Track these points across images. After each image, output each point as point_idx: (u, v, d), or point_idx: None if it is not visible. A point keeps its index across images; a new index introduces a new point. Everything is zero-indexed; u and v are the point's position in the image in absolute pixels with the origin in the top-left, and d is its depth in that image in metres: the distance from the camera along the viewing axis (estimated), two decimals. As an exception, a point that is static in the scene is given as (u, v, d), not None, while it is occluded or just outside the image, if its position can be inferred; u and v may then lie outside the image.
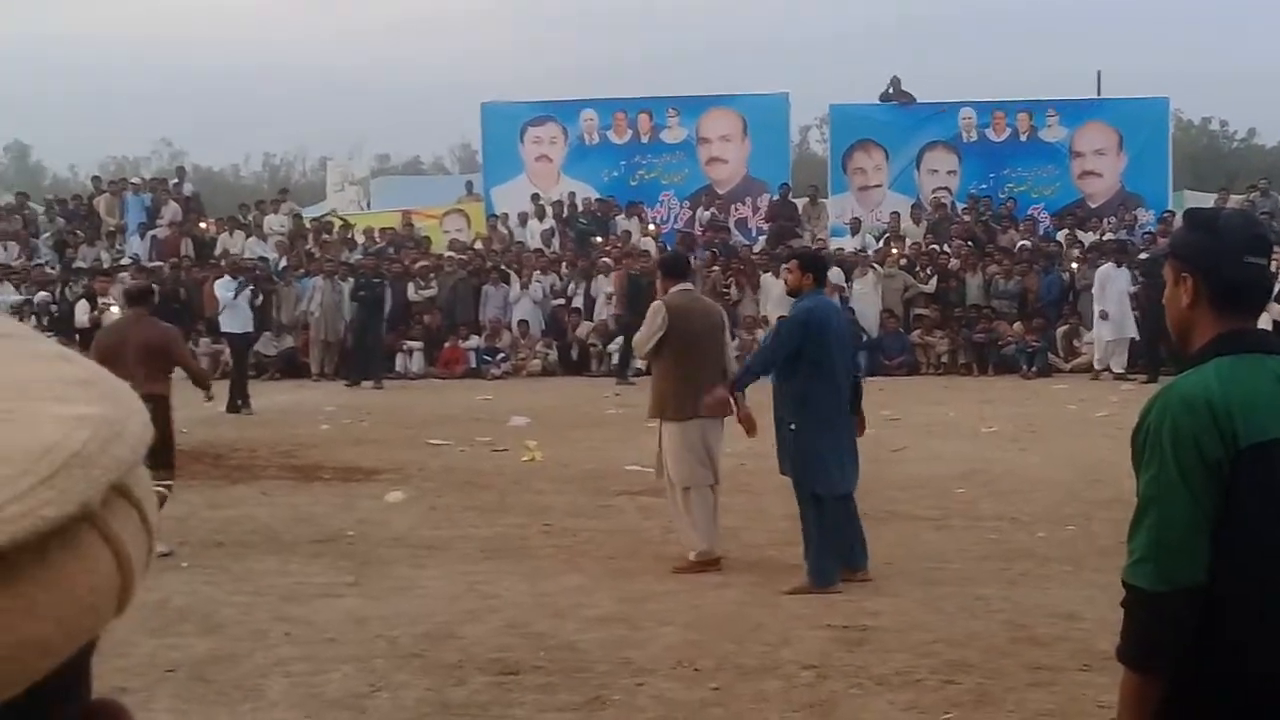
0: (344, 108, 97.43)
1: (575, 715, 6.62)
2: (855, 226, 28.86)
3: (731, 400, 9.42)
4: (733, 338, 12.29)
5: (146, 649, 7.55)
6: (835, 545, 9.08)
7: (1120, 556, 3.05)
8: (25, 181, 56.66)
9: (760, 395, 9.62)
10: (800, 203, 30.11)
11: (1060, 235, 27.74)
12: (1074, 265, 25.48)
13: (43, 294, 26.33)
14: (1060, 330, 24.62)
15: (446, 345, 25.95)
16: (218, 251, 28.91)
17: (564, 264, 27.74)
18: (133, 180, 35.01)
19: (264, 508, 11.68)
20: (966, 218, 28.27)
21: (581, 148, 31.47)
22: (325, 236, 29.34)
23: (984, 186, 29.59)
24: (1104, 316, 23.30)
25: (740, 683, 7.02)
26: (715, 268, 25.90)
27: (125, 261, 27.94)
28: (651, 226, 29.49)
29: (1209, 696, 2.89)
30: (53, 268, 28.54)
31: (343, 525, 11.41)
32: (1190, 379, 2.97)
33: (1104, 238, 26.72)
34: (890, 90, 30.88)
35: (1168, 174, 29.81)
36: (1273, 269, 3.12)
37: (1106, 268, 23.70)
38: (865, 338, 24.83)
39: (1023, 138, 29.93)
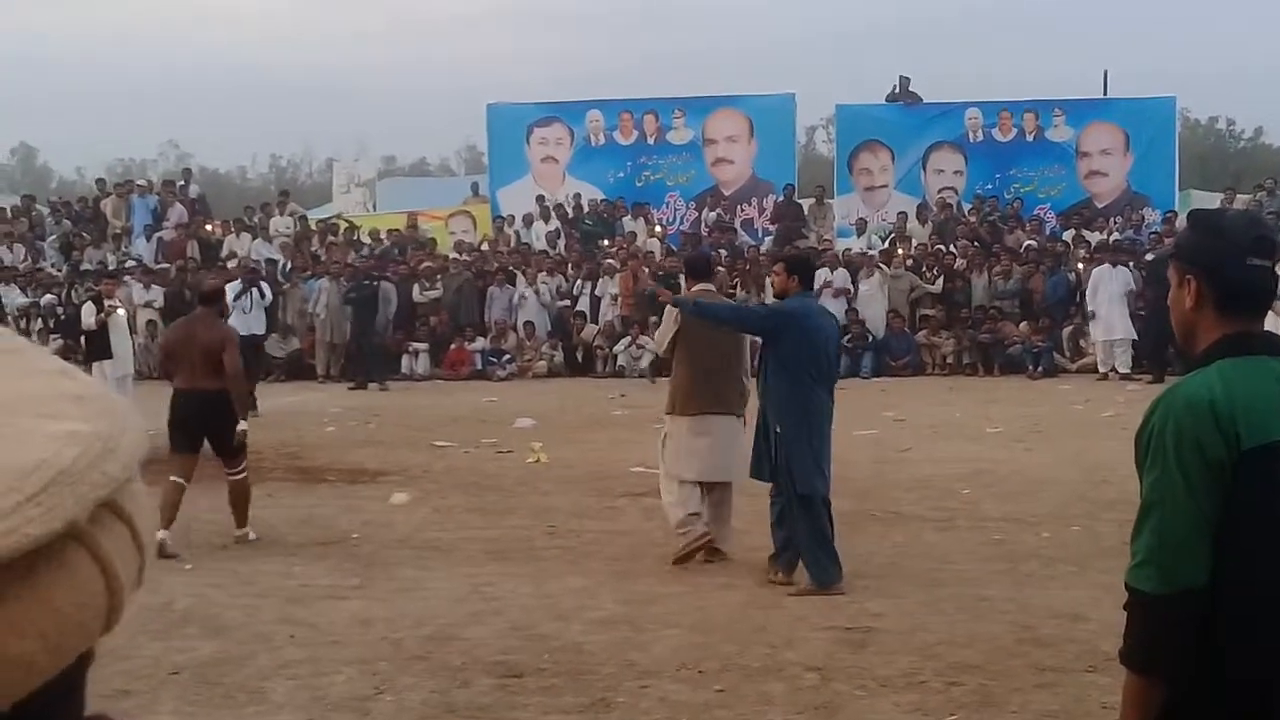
0: (350, 110, 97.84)
1: (580, 718, 6.61)
2: (861, 227, 28.86)
3: (665, 297, 9.47)
4: None
5: (151, 651, 7.55)
6: (829, 544, 9.07)
7: (1125, 558, 3.04)
8: (32, 183, 56.90)
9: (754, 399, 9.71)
10: (806, 203, 30.08)
11: (1066, 235, 27.73)
12: (1080, 265, 25.44)
13: (49, 296, 26.37)
14: (1066, 331, 24.60)
15: (452, 347, 25.95)
16: (224, 253, 28.94)
17: (569, 265, 27.73)
18: (139, 182, 35.08)
19: (269, 509, 11.68)
20: (972, 218, 28.24)
21: (587, 149, 31.47)
22: (331, 238, 29.35)
23: (990, 187, 29.56)
24: (1092, 317, 23.41)
25: (744, 684, 7.02)
26: (721, 268, 25.87)
27: (131, 264, 27.98)
28: (658, 228, 29.49)
29: (1212, 699, 2.88)
30: (58, 270, 28.58)
31: (348, 527, 11.42)
32: (1194, 381, 2.96)
33: (1110, 238, 26.70)
34: (897, 90, 30.88)
35: (1174, 174, 29.78)
36: (1278, 271, 3.09)
37: (1102, 269, 23.73)
38: (871, 338, 24.84)
39: (1029, 138, 29.90)
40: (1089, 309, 23.59)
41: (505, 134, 31.94)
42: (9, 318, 25.19)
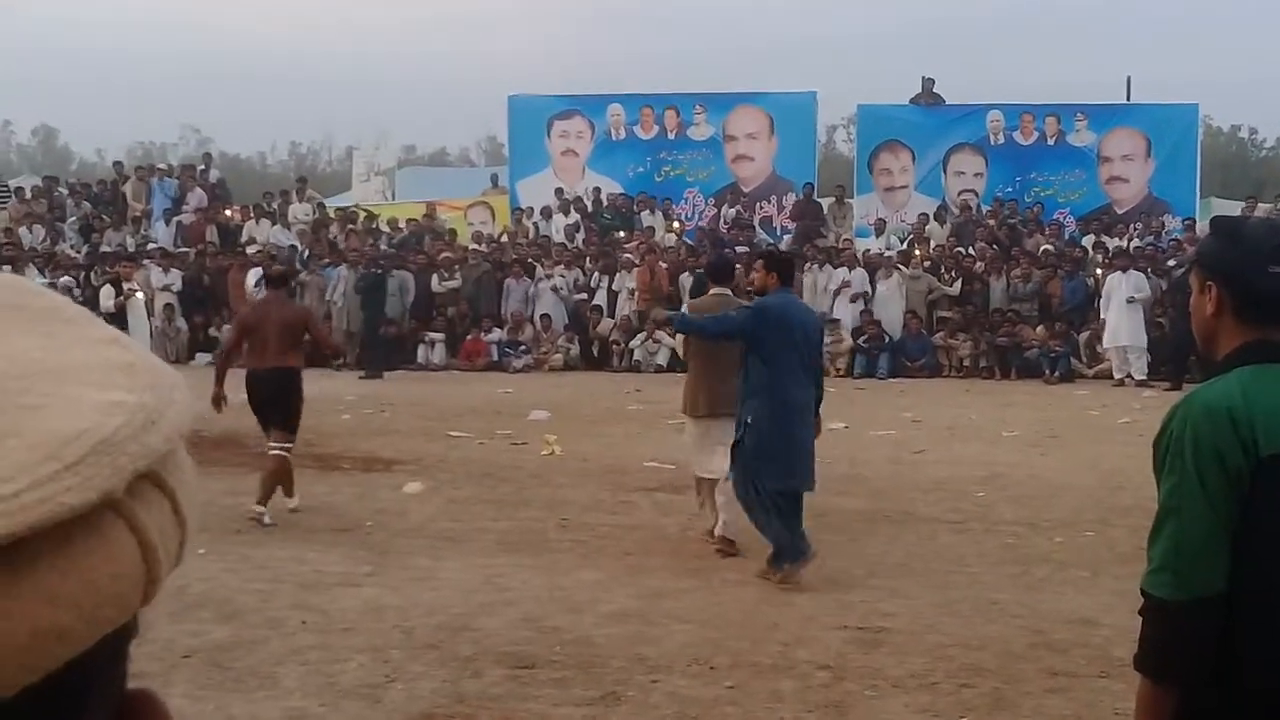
0: (371, 98, 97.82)
1: (590, 710, 6.62)
2: (880, 228, 28.79)
3: (665, 321, 9.59)
4: None
5: (164, 634, 7.57)
6: (787, 521, 9.19)
7: (1139, 563, 3.04)
8: (52, 164, 56.96)
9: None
10: (826, 202, 30.03)
11: (1086, 240, 27.64)
12: (1098, 271, 25.36)
13: (66, 279, 26.41)
14: (1083, 336, 24.52)
15: (469, 337, 25.96)
16: (243, 239, 29.00)
17: (587, 259, 27.74)
18: (159, 166, 35.14)
19: (282, 495, 11.69)
20: (991, 221, 28.15)
21: (608, 143, 31.45)
22: (351, 226, 29.38)
23: (1010, 190, 29.48)
24: (1103, 323, 23.42)
25: (755, 681, 7.02)
26: (739, 267, 25.83)
27: (150, 247, 28.05)
28: (676, 223, 29.46)
29: (1227, 708, 2.87)
30: (78, 252, 28.65)
31: (361, 515, 11.45)
32: (1213, 388, 2.96)
33: (1130, 244, 26.63)
34: (921, 91, 30.81)
35: (1195, 181, 29.63)
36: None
37: (1115, 275, 23.66)
38: (888, 339, 24.80)
39: (1050, 141, 29.81)
40: (1103, 315, 23.54)
41: (526, 126, 31.94)
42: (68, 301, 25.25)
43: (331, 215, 30.44)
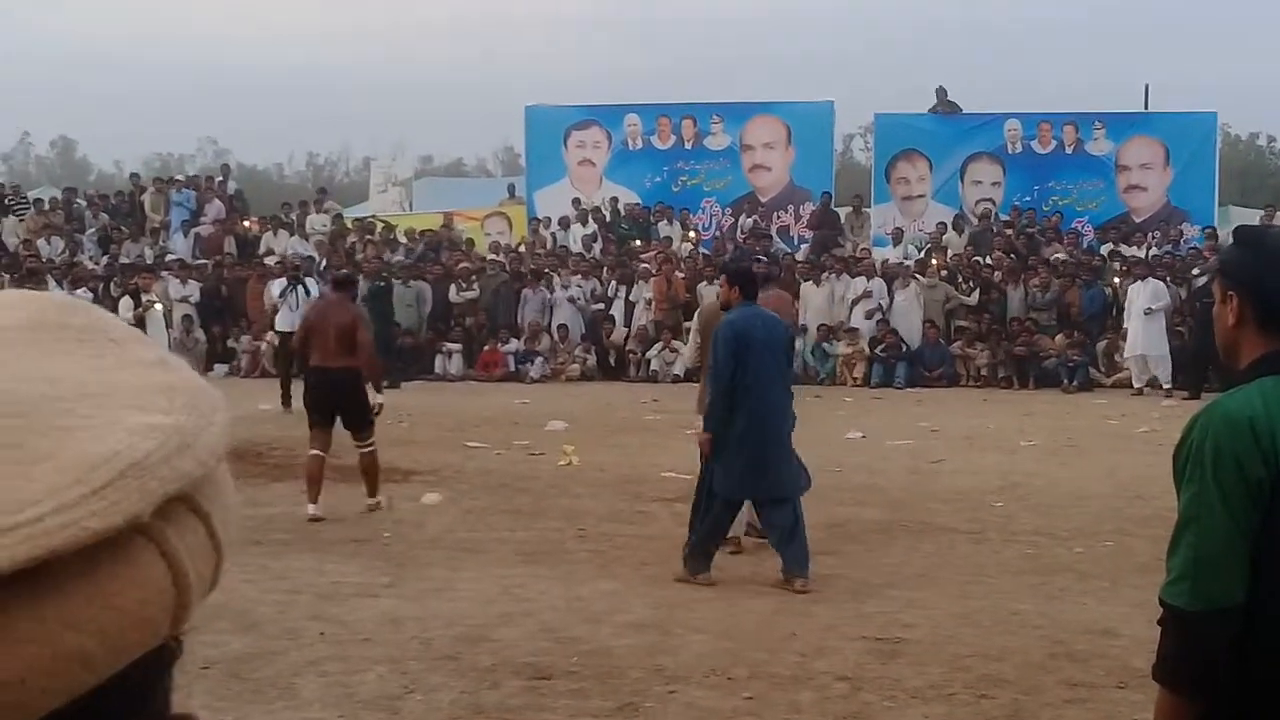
0: (388, 109, 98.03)
1: (607, 721, 6.61)
2: (897, 237, 28.75)
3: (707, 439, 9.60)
4: None
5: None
6: (713, 545, 9.53)
7: (1158, 573, 3.02)
8: (71, 176, 57.11)
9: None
10: (843, 212, 30.00)
11: (1104, 249, 27.55)
12: (1116, 280, 25.28)
13: (83, 290, 26.47)
14: (1101, 345, 24.45)
15: (486, 348, 25.97)
16: (261, 250, 29.06)
17: (604, 269, 27.73)
18: (177, 177, 35.24)
19: (302, 506, 11.71)
20: (1009, 230, 28.06)
21: (625, 153, 31.46)
22: (369, 237, 29.41)
23: (1028, 199, 29.40)
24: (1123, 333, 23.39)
25: (773, 692, 7.01)
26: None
27: (169, 258, 28.12)
28: (692, 233, 29.47)
29: (1246, 719, 2.86)
30: (96, 263, 28.73)
31: (379, 526, 11.45)
32: (1234, 398, 2.94)
33: (1148, 253, 26.54)
34: (936, 101, 30.79)
35: (1214, 189, 29.50)
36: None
37: (1135, 285, 23.57)
38: (905, 348, 24.75)
39: (1068, 150, 29.73)
40: (1125, 325, 23.47)
41: (543, 136, 31.96)
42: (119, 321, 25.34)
43: (349, 226, 30.49)
